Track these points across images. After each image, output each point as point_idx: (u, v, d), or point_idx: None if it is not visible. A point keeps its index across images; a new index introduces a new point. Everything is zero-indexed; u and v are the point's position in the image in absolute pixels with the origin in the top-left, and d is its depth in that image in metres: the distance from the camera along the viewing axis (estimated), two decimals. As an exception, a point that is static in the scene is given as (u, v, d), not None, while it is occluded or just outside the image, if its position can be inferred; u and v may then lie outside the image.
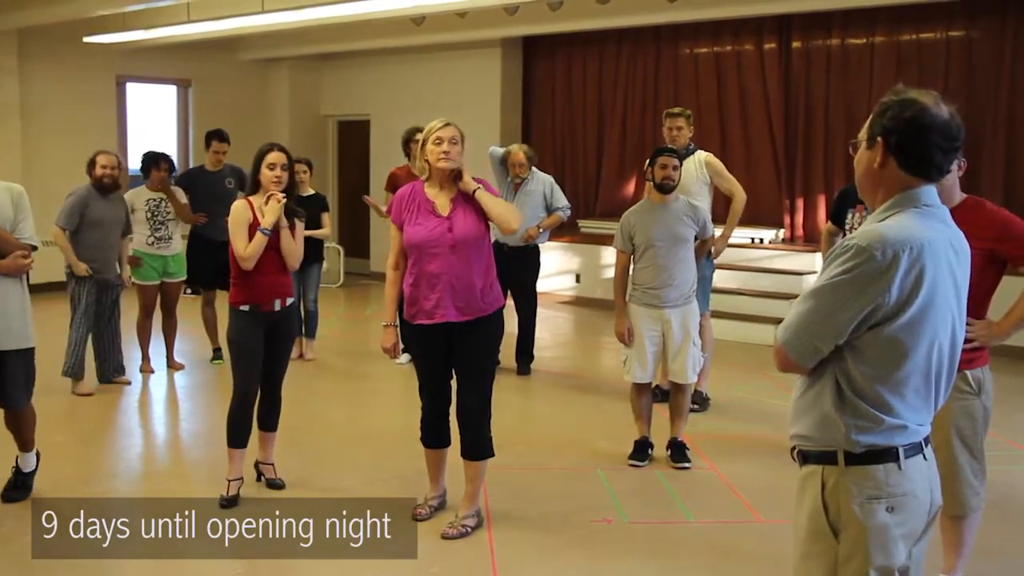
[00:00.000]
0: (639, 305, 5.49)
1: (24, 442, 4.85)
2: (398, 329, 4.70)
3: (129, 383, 7.26)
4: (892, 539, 2.30)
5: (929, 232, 2.29)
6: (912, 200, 2.33)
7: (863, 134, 2.41)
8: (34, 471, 4.94)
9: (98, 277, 6.87)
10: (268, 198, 4.84)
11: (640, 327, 5.47)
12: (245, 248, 4.81)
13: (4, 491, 4.87)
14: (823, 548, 2.35)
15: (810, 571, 2.38)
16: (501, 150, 7.91)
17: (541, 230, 7.70)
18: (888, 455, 2.31)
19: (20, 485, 4.90)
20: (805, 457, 2.43)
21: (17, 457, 4.93)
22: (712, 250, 6.27)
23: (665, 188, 5.49)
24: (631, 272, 5.58)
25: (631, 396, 5.66)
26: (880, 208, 2.37)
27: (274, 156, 4.89)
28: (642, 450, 5.61)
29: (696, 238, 5.61)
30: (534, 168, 7.81)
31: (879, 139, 2.34)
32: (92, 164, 6.92)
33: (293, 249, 4.97)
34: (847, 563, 2.31)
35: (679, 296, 5.47)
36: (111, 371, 7.21)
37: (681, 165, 5.65)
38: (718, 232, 6.35)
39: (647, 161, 5.65)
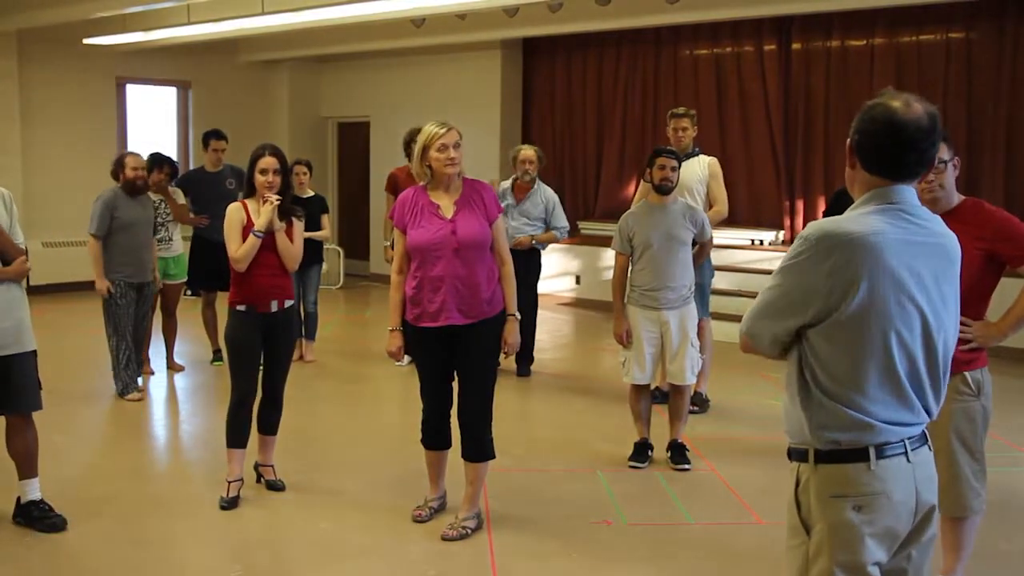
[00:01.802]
0: (637, 307, 5.50)
1: (30, 462, 4.59)
2: (403, 334, 4.67)
3: (142, 394, 7.18)
4: (858, 537, 2.32)
5: (880, 227, 2.30)
6: (878, 198, 2.37)
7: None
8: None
9: (134, 282, 6.83)
10: (264, 201, 4.87)
11: (638, 329, 5.47)
12: (237, 250, 4.83)
13: (41, 525, 4.54)
14: (798, 543, 2.41)
15: (789, 565, 2.45)
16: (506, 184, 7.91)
17: (534, 242, 7.68)
18: (856, 454, 2.33)
19: (49, 512, 4.57)
20: (788, 454, 2.49)
21: (19, 496, 4.60)
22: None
23: (663, 189, 5.49)
24: (629, 274, 5.58)
25: (630, 398, 5.66)
26: (851, 207, 2.42)
27: (265, 161, 4.91)
28: (642, 452, 5.62)
29: (694, 242, 5.61)
30: (541, 183, 7.80)
31: (848, 142, 2.44)
32: (121, 166, 6.85)
33: (289, 250, 4.98)
34: (816, 559, 2.36)
35: (677, 298, 5.47)
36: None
37: (680, 166, 5.65)
38: None
39: (646, 162, 5.65)
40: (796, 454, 2.44)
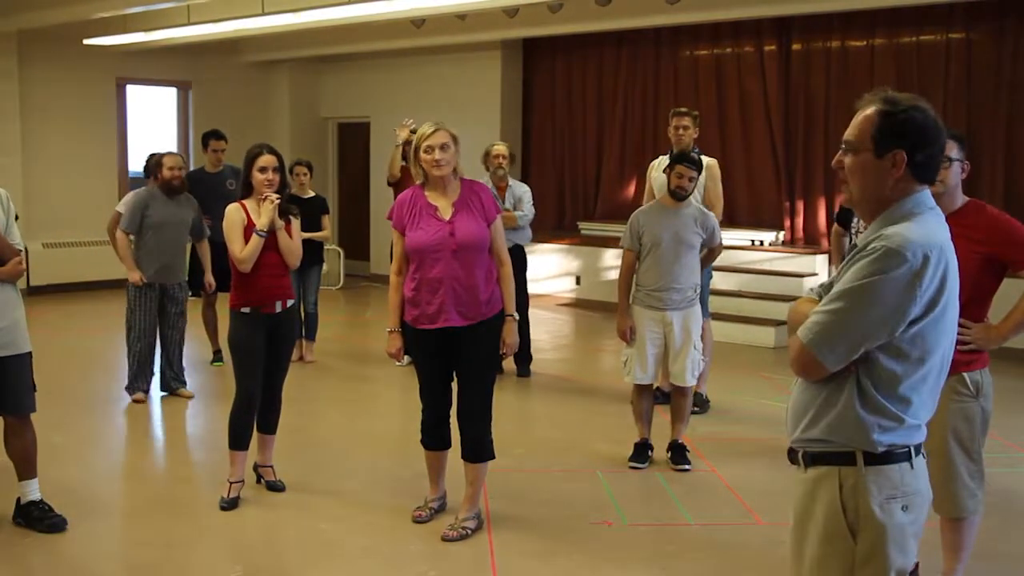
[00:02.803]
0: (642, 307, 5.49)
1: (28, 463, 4.58)
2: (402, 335, 4.66)
3: (192, 396, 7.11)
4: (907, 538, 2.33)
5: (943, 232, 2.34)
6: (923, 203, 2.36)
7: (860, 139, 2.39)
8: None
9: (157, 283, 6.76)
10: (263, 199, 4.87)
11: (642, 328, 5.47)
12: (241, 250, 4.83)
13: (41, 525, 4.53)
14: (839, 550, 2.33)
15: (825, 574, 2.37)
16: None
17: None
18: (903, 455, 2.33)
19: (49, 512, 4.56)
20: (814, 459, 2.40)
21: (19, 496, 4.59)
22: None
23: (677, 195, 5.49)
24: (636, 273, 5.58)
25: (631, 398, 5.66)
26: (888, 212, 2.35)
27: (264, 160, 4.91)
28: (642, 452, 5.61)
29: (703, 247, 5.61)
30: (513, 181, 7.76)
31: (901, 152, 2.32)
32: (158, 166, 6.83)
33: (291, 247, 4.98)
34: (866, 564, 2.31)
35: (682, 299, 5.47)
36: (172, 380, 7.12)
37: (699, 176, 5.64)
38: None
39: (668, 162, 5.64)
40: (832, 457, 2.36)
